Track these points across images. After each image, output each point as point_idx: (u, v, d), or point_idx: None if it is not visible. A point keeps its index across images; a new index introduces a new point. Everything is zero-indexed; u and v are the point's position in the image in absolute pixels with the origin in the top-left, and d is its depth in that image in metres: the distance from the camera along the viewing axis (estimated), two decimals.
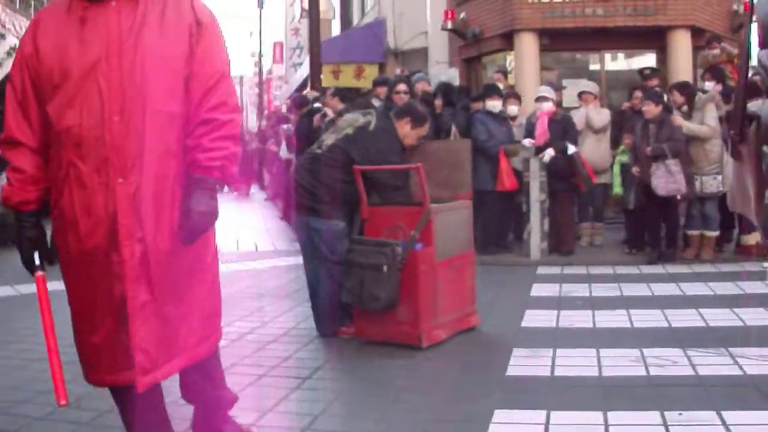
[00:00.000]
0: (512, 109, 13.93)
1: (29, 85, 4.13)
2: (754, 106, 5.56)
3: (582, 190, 13.15)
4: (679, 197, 12.16)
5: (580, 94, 14.36)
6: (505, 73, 17.93)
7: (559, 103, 14.29)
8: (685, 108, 12.51)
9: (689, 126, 12.29)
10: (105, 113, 3.99)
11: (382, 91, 14.61)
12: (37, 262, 4.18)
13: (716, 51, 14.96)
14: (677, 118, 12.29)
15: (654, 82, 14.83)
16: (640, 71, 16.31)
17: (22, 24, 23.67)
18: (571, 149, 12.84)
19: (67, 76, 4.04)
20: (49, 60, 4.07)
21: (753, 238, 12.61)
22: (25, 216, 4.14)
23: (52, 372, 4.14)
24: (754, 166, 4.75)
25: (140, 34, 4.05)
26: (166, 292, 4.14)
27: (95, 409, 5.65)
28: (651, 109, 12.24)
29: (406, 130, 8.21)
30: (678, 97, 12.63)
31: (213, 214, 4.19)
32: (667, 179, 11.93)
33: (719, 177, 12.11)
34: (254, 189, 32.51)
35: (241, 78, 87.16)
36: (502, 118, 13.47)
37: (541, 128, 13.09)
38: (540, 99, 13.48)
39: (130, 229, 4.00)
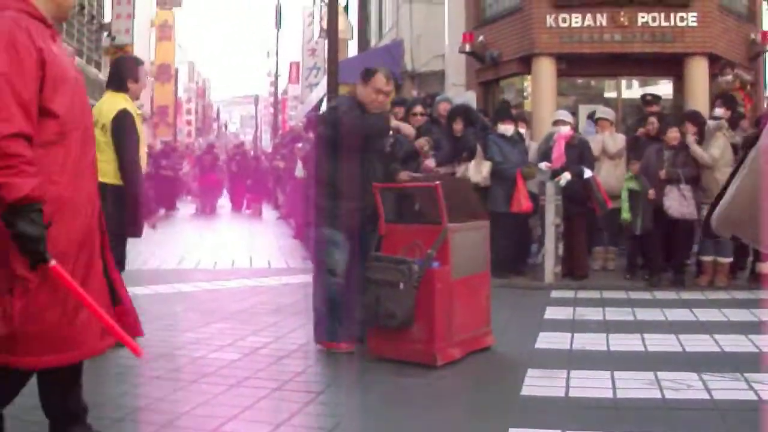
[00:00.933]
0: (507, 128, 13.91)
1: (38, 85, 4.29)
2: None
3: (597, 214, 13.15)
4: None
5: (597, 121, 14.37)
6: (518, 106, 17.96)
7: (575, 128, 14.28)
8: (695, 138, 12.52)
9: (694, 149, 12.32)
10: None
11: (400, 111, 14.61)
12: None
13: (729, 77, 14.98)
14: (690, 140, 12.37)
15: (655, 108, 14.93)
16: (643, 97, 16.36)
17: None
18: (587, 173, 12.84)
19: (65, 81, 4.44)
20: (55, 65, 4.37)
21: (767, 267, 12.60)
22: (38, 207, 4.15)
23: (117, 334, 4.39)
24: None
25: None
26: None
27: (105, 417, 5.67)
28: (676, 136, 12.28)
29: (361, 92, 8.24)
30: (690, 127, 12.64)
31: None
32: (680, 202, 12.00)
33: None
34: (267, 208, 32.52)
35: (257, 97, 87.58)
36: (515, 140, 13.46)
37: (558, 152, 13.10)
38: (558, 122, 13.49)
39: None
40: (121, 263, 7.42)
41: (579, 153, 13.14)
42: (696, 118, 12.93)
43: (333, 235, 7.97)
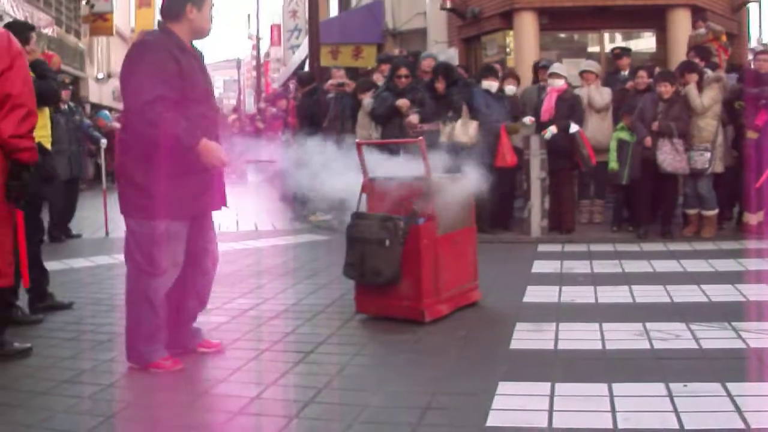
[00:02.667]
0: (510, 88, 13.92)
1: None
2: None
3: (581, 170, 13.14)
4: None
5: (582, 74, 14.32)
6: (502, 63, 17.87)
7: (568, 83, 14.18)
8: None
9: (693, 95, 12.32)
10: None
11: (386, 68, 14.64)
12: None
13: (702, 30, 15.00)
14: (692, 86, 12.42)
15: (625, 61, 15.08)
16: (612, 50, 16.41)
17: (27, 11, 23.67)
18: (574, 128, 12.82)
19: None
20: None
21: (755, 218, 12.62)
22: None
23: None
24: None
25: None
26: None
27: (96, 384, 5.67)
28: (668, 89, 12.26)
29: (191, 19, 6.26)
30: (692, 77, 12.62)
31: None
32: (674, 156, 12.01)
33: (707, 154, 12.16)
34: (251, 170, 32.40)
35: (239, 60, 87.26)
36: (499, 96, 13.42)
37: (548, 104, 13.05)
38: (553, 75, 13.42)
39: None
40: None
41: (569, 107, 13.11)
42: (695, 68, 12.89)
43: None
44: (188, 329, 6.64)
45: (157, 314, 6.14)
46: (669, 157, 12.07)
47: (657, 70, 14.12)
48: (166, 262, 6.14)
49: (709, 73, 12.88)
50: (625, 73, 14.98)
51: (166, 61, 5.92)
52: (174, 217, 6.11)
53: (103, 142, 15.82)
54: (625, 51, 16.05)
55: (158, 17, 6.45)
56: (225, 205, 6.62)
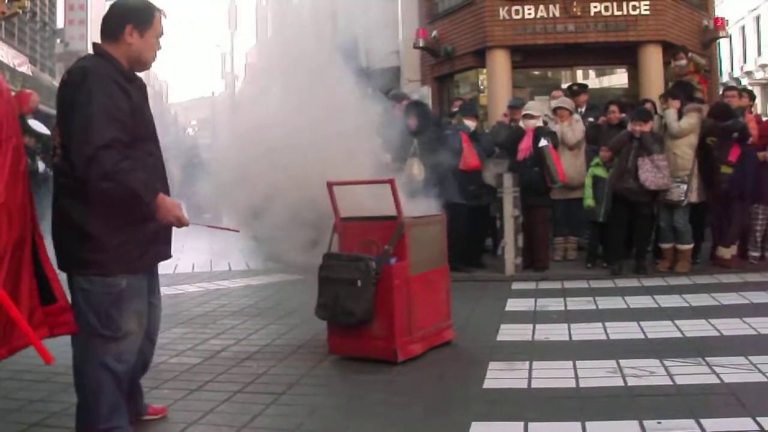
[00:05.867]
0: (470, 124, 13.88)
1: None
2: None
3: (546, 185, 13.03)
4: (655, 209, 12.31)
5: (555, 111, 14.36)
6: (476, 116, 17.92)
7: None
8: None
9: (669, 113, 12.51)
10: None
11: None
12: None
13: (683, 62, 15.05)
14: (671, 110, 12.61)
15: (583, 98, 15.13)
16: (569, 87, 16.48)
17: (1, 49, 23.57)
18: (543, 142, 12.82)
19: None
20: None
21: (729, 252, 12.68)
22: None
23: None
24: None
25: None
26: None
27: (66, 427, 5.60)
28: (644, 128, 12.29)
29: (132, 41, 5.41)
30: (674, 102, 12.71)
31: None
32: (655, 173, 11.99)
33: (683, 186, 12.21)
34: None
35: (213, 97, 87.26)
36: (476, 136, 13.43)
37: (525, 144, 13.03)
38: (527, 116, 13.40)
39: None
40: None
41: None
42: (680, 97, 12.94)
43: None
44: (134, 397, 5.79)
45: (119, 385, 5.29)
46: (650, 175, 12.06)
47: (648, 105, 14.23)
48: (129, 323, 5.28)
49: (688, 105, 12.93)
50: (582, 109, 15.05)
51: (116, 94, 5.10)
52: (135, 271, 5.32)
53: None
54: (582, 87, 16.17)
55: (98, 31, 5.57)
56: (170, 254, 5.71)
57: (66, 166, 5.06)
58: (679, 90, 13.36)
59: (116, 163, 4.92)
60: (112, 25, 5.35)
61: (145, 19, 5.36)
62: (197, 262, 15.62)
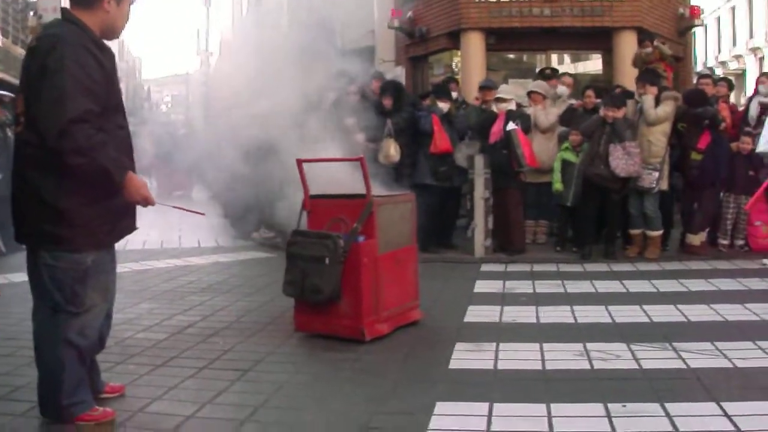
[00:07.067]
0: (443, 106, 13.79)
1: None
2: None
3: (513, 168, 12.95)
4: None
5: (529, 94, 14.34)
6: (457, 82, 17.77)
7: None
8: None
9: (646, 99, 12.56)
10: None
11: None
12: None
13: (648, 49, 15.05)
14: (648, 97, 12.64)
15: (554, 82, 15.04)
16: (541, 71, 16.50)
17: None
18: (511, 126, 12.78)
19: None
20: None
21: (698, 239, 12.72)
22: None
23: None
24: None
25: None
26: None
27: (31, 401, 5.55)
28: (616, 114, 12.27)
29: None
30: (650, 88, 12.72)
31: None
32: (626, 160, 11.97)
33: (655, 174, 12.20)
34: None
35: (188, 75, 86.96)
36: (448, 120, 13.38)
37: (497, 127, 12.98)
38: (498, 100, 13.34)
39: None
40: None
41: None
42: (657, 83, 12.95)
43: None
44: (90, 375, 5.54)
45: (82, 360, 5.23)
46: (621, 162, 12.02)
47: (618, 90, 14.27)
48: (93, 298, 5.21)
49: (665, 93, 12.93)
50: (568, 92, 15.04)
51: (89, 63, 4.95)
52: (101, 246, 5.26)
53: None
54: (554, 71, 16.22)
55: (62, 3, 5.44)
56: (136, 226, 5.64)
57: (32, 137, 4.93)
58: (644, 78, 13.35)
59: (89, 137, 4.83)
60: None
61: None
62: (166, 238, 15.56)
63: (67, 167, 4.86)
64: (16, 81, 22.44)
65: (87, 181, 4.96)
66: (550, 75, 15.68)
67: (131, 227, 5.55)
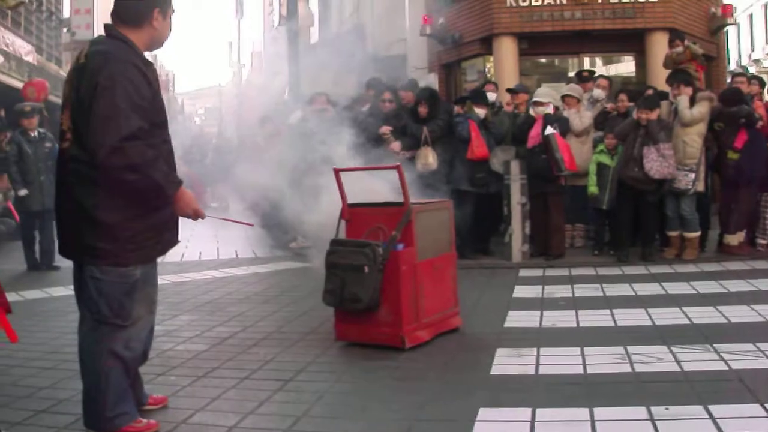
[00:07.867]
0: (480, 112, 13.75)
1: None
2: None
3: (553, 173, 12.89)
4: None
5: (563, 98, 14.29)
6: (495, 84, 17.69)
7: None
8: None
9: (681, 100, 12.49)
10: None
11: (371, 92, 14.61)
12: None
13: (679, 49, 14.98)
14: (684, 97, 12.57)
15: (590, 84, 14.99)
16: (578, 73, 16.41)
17: (8, 38, 23.58)
18: (549, 130, 12.73)
19: None
20: None
21: (736, 239, 12.64)
22: None
23: None
24: None
25: None
26: None
27: (74, 414, 5.59)
28: (650, 116, 12.22)
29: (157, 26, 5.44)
30: (686, 89, 12.68)
31: None
32: (660, 162, 11.91)
33: (691, 175, 12.15)
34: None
35: (220, 86, 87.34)
36: (484, 126, 13.36)
37: (535, 131, 12.94)
38: (536, 104, 13.29)
39: None
40: None
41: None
42: (692, 83, 12.92)
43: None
44: (134, 387, 5.58)
45: (127, 372, 5.30)
46: (656, 164, 11.97)
47: (649, 91, 14.20)
48: (140, 311, 5.30)
49: (700, 93, 12.87)
50: (605, 95, 14.99)
51: (138, 80, 5.04)
52: (149, 260, 5.37)
53: None
54: (591, 73, 16.14)
55: (104, 21, 5.37)
56: (178, 239, 5.67)
57: (80, 152, 4.99)
58: (678, 78, 13.27)
59: (142, 153, 4.92)
60: (138, 10, 5.28)
61: (169, 0, 5.39)
62: (204, 250, 15.62)
63: (117, 183, 4.94)
64: (52, 98, 22.59)
65: (137, 196, 5.05)
66: (587, 77, 15.63)
67: (174, 240, 5.58)
